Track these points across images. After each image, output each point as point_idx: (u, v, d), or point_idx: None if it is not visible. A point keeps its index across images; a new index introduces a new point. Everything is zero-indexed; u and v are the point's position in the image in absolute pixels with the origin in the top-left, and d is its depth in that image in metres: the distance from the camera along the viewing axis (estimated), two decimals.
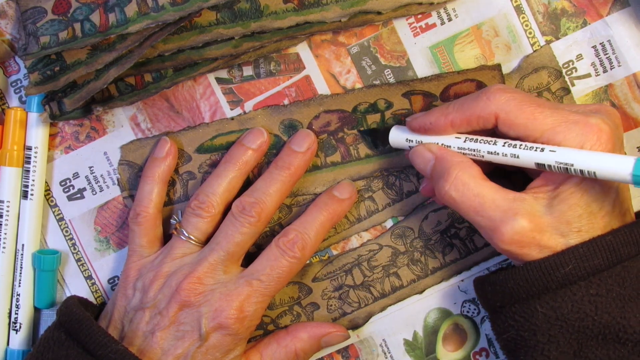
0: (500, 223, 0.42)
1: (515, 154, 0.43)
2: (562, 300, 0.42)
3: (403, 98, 0.50)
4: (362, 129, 0.51)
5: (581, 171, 0.40)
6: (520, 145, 0.42)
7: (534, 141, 0.42)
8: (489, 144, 0.44)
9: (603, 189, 0.42)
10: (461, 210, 0.44)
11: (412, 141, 0.47)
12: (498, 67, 0.50)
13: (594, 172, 0.40)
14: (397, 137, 0.48)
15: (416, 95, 0.50)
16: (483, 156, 0.44)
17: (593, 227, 0.42)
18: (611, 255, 0.42)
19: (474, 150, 0.44)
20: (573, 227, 0.42)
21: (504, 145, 0.43)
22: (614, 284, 0.42)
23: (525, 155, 0.42)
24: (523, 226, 0.42)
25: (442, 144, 0.46)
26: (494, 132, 0.45)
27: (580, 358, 0.42)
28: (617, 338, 0.42)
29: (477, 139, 0.45)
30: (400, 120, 0.51)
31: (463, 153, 0.45)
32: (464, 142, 0.45)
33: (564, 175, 0.42)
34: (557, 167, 0.41)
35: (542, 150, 0.41)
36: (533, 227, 0.42)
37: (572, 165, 0.40)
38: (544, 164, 0.41)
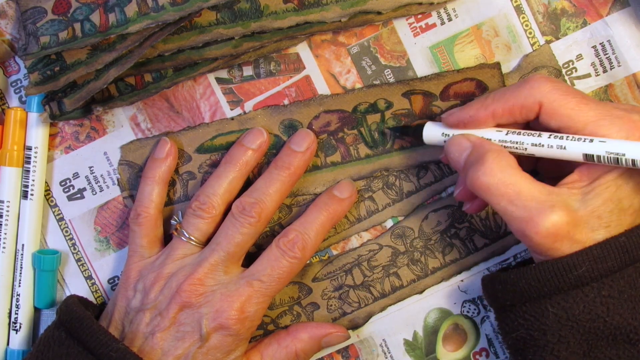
0: (536, 214, 0.41)
1: (561, 145, 0.42)
2: (573, 301, 0.42)
3: (403, 98, 0.50)
4: (389, 126, 0.50)
5: (632, 161, 0.40)
6: (567, 137, 0.42)
7: (576, 133, 0.42)
8: (533, 136, 0.43)
9: (636, 186, 0.42)
10: (493, 197, 0.42)
11: (448, 135, 0.46)
12: (497, 65, 0.50)
13: None
14: (432, 132, 0.47)
15: (416, 95, 0.50)
16: (526, 149, 0.43)
17: (621, 223, 0.42)
18: (624, 257, 0.41)
19: (517, 142, 0.43)
20: (603, 222, 0.42)
21: (549, 137, 0.42)
22: (626, 286, 0.42)
23: (573, 147, 0.41)
24: (561, 219, 0.41)
25: (482, 137, 0.45)
26: (528, 126, 0.44)
27: (590, 358, 0.42)
28: (627, 339, 0.42)
29: (519, 132, 0.44)
30: (401, 120, 0.51)
31: (504, 146, 0.44)
32: (506, 134, 0.44)
33: (600, 171, 0.42)
34: (607, 157, 0.40)
35: (592, 141, 0.41)
36: (569, 221, 0.41)
37: (623, 155, 0.40)
38: (593, 155, 0.41)
